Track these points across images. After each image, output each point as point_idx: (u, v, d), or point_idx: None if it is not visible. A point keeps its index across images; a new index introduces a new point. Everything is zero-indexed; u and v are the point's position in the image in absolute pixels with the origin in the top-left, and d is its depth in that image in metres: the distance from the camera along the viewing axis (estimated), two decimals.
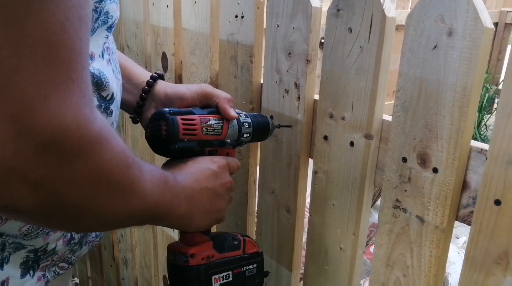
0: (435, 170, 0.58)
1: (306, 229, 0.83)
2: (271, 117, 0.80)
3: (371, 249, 1.49)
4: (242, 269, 0.67)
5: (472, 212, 0.56)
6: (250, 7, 0.79)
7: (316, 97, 0.73)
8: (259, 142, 0.83)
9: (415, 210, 0.62)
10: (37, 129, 0.35)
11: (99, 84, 0.56)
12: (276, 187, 0.83)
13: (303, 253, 0.83)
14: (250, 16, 0.79)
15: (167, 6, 1.00)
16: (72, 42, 0.37)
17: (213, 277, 0.64)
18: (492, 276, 0.54)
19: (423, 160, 0.59)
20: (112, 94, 0.59)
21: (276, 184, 0.83)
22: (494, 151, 0.52)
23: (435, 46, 0.55)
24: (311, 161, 0.77)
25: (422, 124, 0.58)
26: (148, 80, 0.73)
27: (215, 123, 0.65)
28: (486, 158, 0.53)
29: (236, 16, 0.82)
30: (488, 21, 0.51)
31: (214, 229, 1.00)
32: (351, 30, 0.64)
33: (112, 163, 0.42)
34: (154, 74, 0.74)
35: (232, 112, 0.67)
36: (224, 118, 0.66)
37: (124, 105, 0.75)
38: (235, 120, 0.67)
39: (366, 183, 0.68)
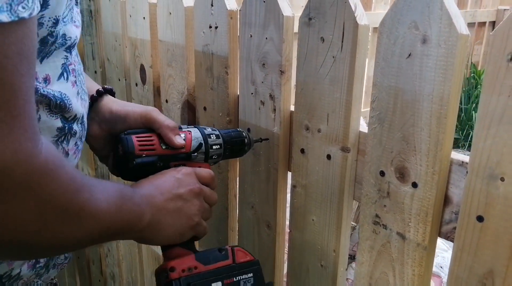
0: (414, 185, 0.55)
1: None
2: (248, 129, 0.77)
3: None
4: (234, 279, 0.62)
5: (455, 228, 0.53)
6: (223, 17, 0.76)
7: (293, 108, 0.71)
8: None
9: (395, 227, 0.58)
10: None
11: (62, 106, 0.55)
12: (256, 202, 0.80)
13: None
14: (223, 27, 0.76)
15: (144, 18, 0.98)
16: (12, 79, 0.37)
17: None
18: None
19: (402, 174, 0.56)
20: (75, 115, 0.58)
21: (256, 198, 0.80)
22: (475, 164, 0.49)
23: (410, 55, 0.53)
24: (290, 174, 0.74)
25: (399, 137, 0.55)
26: (93, 95, 0.70)
27: None
28: (467, 172, 0.50)
29: (210, 27, 0.79)
30: (463, 27, 0.49)
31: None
32: (323, 40, 0.61)
33: (59, 192, 0.43)
34: (100, 89, 0.71)
35: (178, 140, 0.63)
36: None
37: None
38: (198, 132, 0.66)
39: (345, 197, 0.65)
